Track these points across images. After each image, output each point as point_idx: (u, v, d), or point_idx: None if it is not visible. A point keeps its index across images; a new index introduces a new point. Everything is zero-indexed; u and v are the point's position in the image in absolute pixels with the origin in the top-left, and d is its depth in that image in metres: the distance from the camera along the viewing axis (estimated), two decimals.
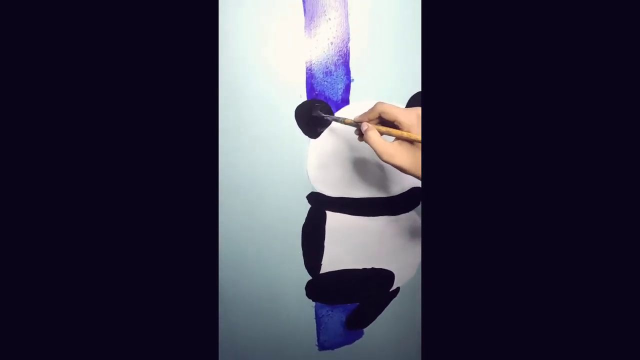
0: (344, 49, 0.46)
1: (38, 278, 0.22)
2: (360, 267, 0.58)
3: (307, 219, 0.52)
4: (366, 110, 0.40)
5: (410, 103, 0.50)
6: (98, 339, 0.22)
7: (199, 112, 0.24)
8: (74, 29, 0.22)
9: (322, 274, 0.57)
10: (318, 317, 0.60)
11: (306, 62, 0.45)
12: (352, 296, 0.60)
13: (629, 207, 0.17)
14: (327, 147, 0.49)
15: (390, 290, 0.62)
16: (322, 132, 0.48)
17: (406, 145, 0.38)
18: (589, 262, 0.17)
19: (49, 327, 0.22)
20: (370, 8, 0.45)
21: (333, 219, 0.53)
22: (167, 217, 0.24)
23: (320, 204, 0.52)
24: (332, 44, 0.45)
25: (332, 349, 0.63)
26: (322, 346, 0.62)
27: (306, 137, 0.48)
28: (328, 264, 0.56)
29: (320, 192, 0.52)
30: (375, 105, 0.39)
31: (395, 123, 0.38)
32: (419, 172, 0.37)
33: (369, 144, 0.39)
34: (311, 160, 0.50)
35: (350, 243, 0.56)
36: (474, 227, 0.19)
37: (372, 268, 0.59)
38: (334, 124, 0.48)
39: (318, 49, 0.45)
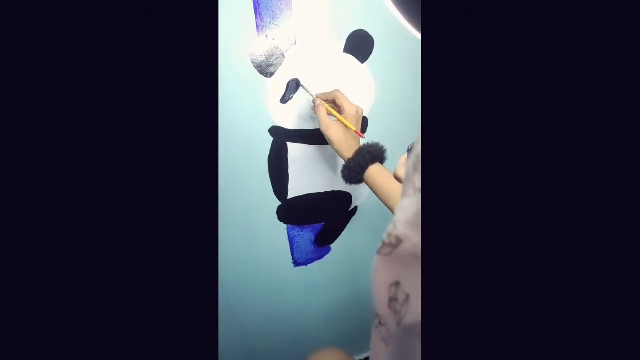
0: None
1: (40, 280, 0.22)
2: (322, 190, 0.68)
3: (270, 150, 0.61)
4: (326, 91, 0.55)
5: None
6: (98, 339, 0.22)
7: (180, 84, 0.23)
8: (74, 30, 0.21)
9: (289, 198, 0.66)
10: (290, 238, 0.70)
11: None
12: (317, 217, 0.70)
13: (628, 211, 0.17)
14: (283, 86, 0.57)
15: (350, 209, 0.73)
16: (276, 72, 0.56)
17: (342, 126, 0.52)
18: (588, 260, 0.17)
19: (51, 327, 0.22)
20: None
21: (294, 149, 0.62)
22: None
23: (281, 136, 0.60)
24: None
25: (306, 264, 0.74)
26: (296, 263, 0.73)
27: (262, 76, 0.55)
28: (294, 190, 0.66)
29: (280, 125, 0.60)
30: (333, 91, 0.54)
31: (342, 109, 0.53)
32: (342, 149, 0.53)
33: (316, 114, 0.53)
34: (269, 97, 0.57)
35: (311, 170, 0.65)
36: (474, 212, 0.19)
37: (332, 191, 0.69)
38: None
39: None
